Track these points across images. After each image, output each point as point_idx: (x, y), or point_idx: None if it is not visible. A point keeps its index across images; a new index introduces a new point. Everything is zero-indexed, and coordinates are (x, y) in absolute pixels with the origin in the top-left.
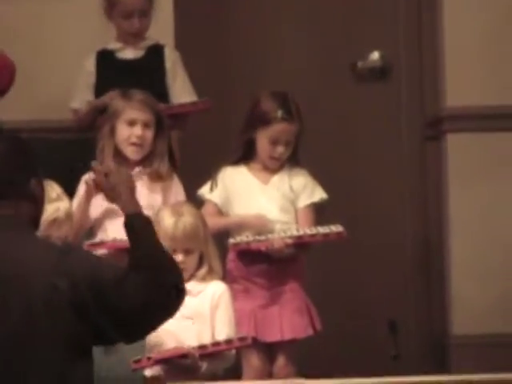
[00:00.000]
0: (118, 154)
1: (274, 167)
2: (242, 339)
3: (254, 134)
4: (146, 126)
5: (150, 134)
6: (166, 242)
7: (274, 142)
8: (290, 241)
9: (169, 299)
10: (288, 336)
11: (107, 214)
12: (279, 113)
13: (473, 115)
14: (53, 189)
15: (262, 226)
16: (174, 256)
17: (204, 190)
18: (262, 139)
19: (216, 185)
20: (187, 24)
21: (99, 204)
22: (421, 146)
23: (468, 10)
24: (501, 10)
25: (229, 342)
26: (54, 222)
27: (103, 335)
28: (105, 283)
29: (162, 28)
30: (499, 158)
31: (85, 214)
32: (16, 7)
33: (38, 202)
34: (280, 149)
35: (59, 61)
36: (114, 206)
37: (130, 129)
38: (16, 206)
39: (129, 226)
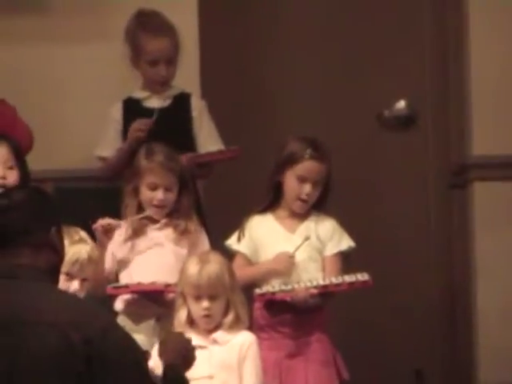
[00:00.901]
0: (142, 211)
1: (300, 211)
2: None
3: (282, 176)
4: (167, 189)
5: (172, 196)
6: (190, 290)
7: (302, 181)
8: (314, 291)
9: None
10: None
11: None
12: (308, 151)
13: (499, 164)
14: (76, 232)
15: (288, 267)
16: (198, 303)
17: (231, 241)
18: (290, 179)
19: (243, 234)
20: (213, 72)
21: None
22: (447, 194)
23: (495, 60)
24: None
25: None
26: (76, 262)
27: None
28: (115, 344)
29: (188, 76)
30: None
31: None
32: (43, 54)
33: (57, 251)
34: (307, 188)
35: (85, 109)
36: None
37: (152, 192)
38: (35, 254)
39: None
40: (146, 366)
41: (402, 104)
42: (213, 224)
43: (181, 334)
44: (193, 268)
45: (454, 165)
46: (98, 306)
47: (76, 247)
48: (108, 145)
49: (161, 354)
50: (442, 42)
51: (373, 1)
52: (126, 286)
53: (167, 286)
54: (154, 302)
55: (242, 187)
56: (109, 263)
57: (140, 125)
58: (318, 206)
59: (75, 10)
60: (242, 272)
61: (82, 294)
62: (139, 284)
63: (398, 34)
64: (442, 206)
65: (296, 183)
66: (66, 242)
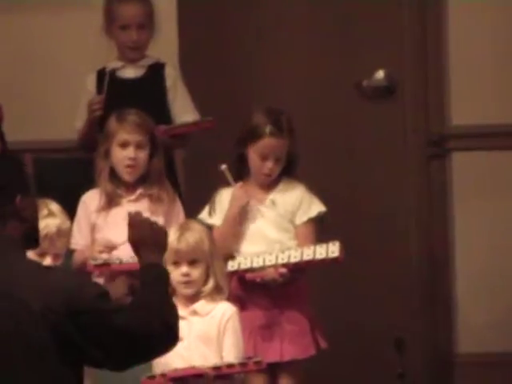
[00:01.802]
0: (115, 176)
1: (265, 183)
2: (257, 363)
3: (245, 149)
4: (138, 147)
5: (143, 155)
6: (169, 256)
7: (264, 157)
8: (283, 270)
9: (161, 339)
10: (287, 357)
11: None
12: (268, 128)
13: (477, 134)
14: (45, 206)
15: (243, 200)
16: (177, 268)
17: (203, 215)
18: (252, 155)
19: (214, 209)
20: (191, 43)
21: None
22: (425, 164)
23: (474, 29)
24: (507, 29)
25: (243, 364)
26: (45, 238)
27: (86, 356)
28: (83, 305)
29: (165, 46)
30: (504, 176)
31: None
32: (21, 23)
33: (25, 220)
34: (269, 164)
35: (62, 80)
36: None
37: (123, 151)
38: (0, 224)
39: (144, 273)
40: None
41: (380, 74)
42: (191, 196)
43: (146, 219)
44: (172, 234)
45: (432, 135)
46: (67, 273)
47: (44, 221)
48: (81, 116)
49: (130, 239)
50: (420, 13)
51: None
52: (108, 264)
53: None
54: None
55: (219, 158)
56: (87, 237)
57: (93, 104)
58: (288, 172)
59: None
60: (219, 237)
61: None
62: (121, 263)
63: (377, 4)
64: (420, 175)
65: (258, 159)
66: None
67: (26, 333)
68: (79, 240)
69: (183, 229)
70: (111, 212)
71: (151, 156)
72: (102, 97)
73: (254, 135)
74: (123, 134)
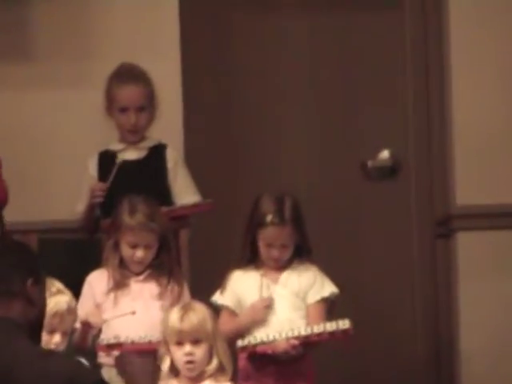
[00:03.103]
0: (123, 264)
1: (276, 267)
2: None
3: (255, 235)
4: (147, 247)
5: (151, 253)
6: (173, 336)
7: (269, 245)
8: (295, 341)
9: None
10: None
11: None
12: (269, 217)
13: (482, 214)
14: (53, 284)
15: (264, 313)
16: (181, 349)
17: (216, 297)
18: (260, 241)
19: (225, 289)
20: (196, 125)
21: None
22: (431, 244)
23: (477, 110)
24: (510, 109)
25: None
26: (56, 315)
27: None
28: None
29: (170, 127)
30: (509, 256)
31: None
32: (27, 101)
33: (34, 304)
34: (275, 252)
35: (68, 161)
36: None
37: (132, 250)
38: (7, 305)
39: None
40: None
41: (385, 154)
42: (197, 277)
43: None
44: (175, 315)
45: (437, 215)
46: (66, 359)
47: (55, 299)
48: (82, 200)
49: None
50: (425, 93)
51: (357, 51)
52: (120, 344)
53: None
54: (147, 359)
55: (227, 241)
56: (90, 312)
57: (96, 190)
58: (299, 254)
59: (60, 58)
60: (226, 328)
61: (62, 347)
62: (133, 343)
63: (382, 85)
64: (426, 255)
65: (264, 246)
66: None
67: None
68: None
69: (186, 309)
70: (119, 293)
71: (161, 248)
72: (105, 185)
73: (258, 223)
74: (133, 236)
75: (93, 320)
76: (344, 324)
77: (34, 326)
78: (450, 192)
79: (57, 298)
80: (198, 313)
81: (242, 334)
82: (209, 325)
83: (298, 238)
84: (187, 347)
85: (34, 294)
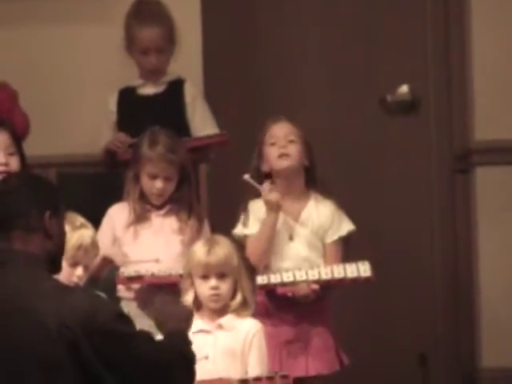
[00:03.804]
0: (144, 196)
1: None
2: (283, 377)
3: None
4: (166, 179)
5: (171, 185)
6: (198, 270)
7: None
8: (316, 286)
9: (180, 372)
10: (313, 372)
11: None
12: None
13: (502, 148)
14: (76, 218)
15: (276, 196)
16: (206, 282)
17: (238, 229)
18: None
19: (247, 219)
20: (216, 60)
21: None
22: (450, 178)
23: (497, 45)
24: None
25: (270, 378)
26: (80, 248)
27: (100, 379)
28: (99, 325)
29: (189, 64)
30: None
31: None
32: (46, 37)
33: (52, 237)
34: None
35: (88, 94)
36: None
37: (152, 181)
38: (26, 239)
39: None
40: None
41: (404, 89)
42: (216, 211)
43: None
44: (201, 248)
45: (456, 150)
46: (85, 293)
47: (79, 232)
48: (103, 136)
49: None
50: (444, 28)
51: None
52: (140, 277)
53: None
54: (168, 292)
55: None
56: (108, 245)
57: (119, 142)
58: (313, 183)
59: None
60: (256, 248)
61: (84, 280)
62: (153, 275)
63: (401, 20)
64: (445, 190)
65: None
66: (68, 228)
67: (42, 349)
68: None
69: (212, 242)
70: (139, 227)
71: (181, 182)
72: (128, 140)
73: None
74: (152, 167)
75: (114, 257)
76: (365, 271)
77: (54, 258)
78: (469, 127)
79: (81, 232)
80: (224, 247)
81: (271, 241)
82: (235, 259)
83: (309, 162)
84: (213, 281)
85: (52, 227)
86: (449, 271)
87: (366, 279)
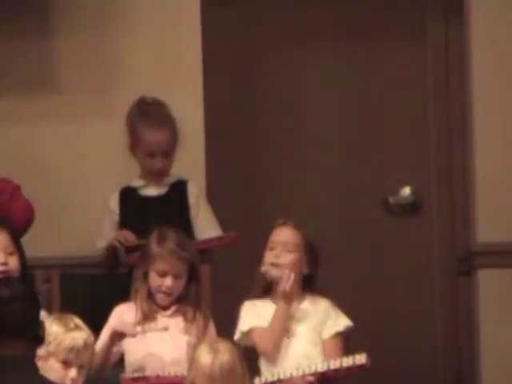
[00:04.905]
0: (152, 296)
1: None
2: None
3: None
4: (176, 277)
5: (180, 284)
6: (203, 381)
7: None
8: (311, 378)
9: None
10: None
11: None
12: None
13: (504, 251)
14: (71, 319)
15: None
16: None
17: (240, 328)
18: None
19: (248, 315)
20: (218, 159)
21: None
22: (453, 280)
23: (499, 145)
24: None
25: None
26: (72, 350)
27: None
28: None
29: (191, 162)
30: None
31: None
32: (47, 139)
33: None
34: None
35: (90, 197)
36: None
37: (161, 279)
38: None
39: None
40: None
41: (406, 191)
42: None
43: None
44: (205, 358)
45: (459, 252)
46: None
47: (72, 334)
48: (104, 236)
49: None
50: (446, 130)
51: (379, 87)
52: (145, 378)
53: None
54: None
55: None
56: (128, 326)
57: (122, 238)
58: (310, 286)
59: (82, 91)
60: (266, 335)
61: (80, 381)
62: (158, 377)
63: (404, 122)
64: (448, 292)
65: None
66: (61, 330)
67: None
68: None
69: (215, 351)
70: (146, 326)
71: (189, 281)
72: (135, 241)
73: None
74: (162, 264)
75: (125, 329)
76: (360, 359)
77: None
78: (471, 229)
79: (73, 334)
80: (228, 356)
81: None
82: (238, 368)
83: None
84: None
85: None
86: (451, 375)
87: (361, 366)
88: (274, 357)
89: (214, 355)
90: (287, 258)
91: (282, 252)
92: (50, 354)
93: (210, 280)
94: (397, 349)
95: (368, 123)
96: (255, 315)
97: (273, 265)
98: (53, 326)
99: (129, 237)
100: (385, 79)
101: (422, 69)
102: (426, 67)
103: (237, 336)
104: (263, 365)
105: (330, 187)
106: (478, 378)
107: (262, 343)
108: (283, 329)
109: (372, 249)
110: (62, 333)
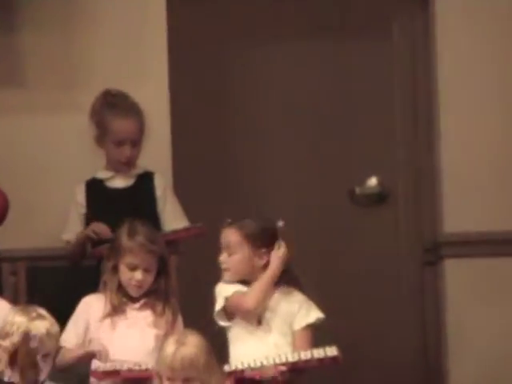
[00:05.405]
0: (121, 288)
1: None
2: None
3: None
4: (146, 270)
5: (150, 277)
6: (165, 371)
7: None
8: (283, 368)
9: None
10: None
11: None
12: None
13: (470, 241)
14: (34, 310)
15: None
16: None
17: (217, 308)
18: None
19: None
20: (184, 151)
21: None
22: (420, 271)
23: (465, 135)
24: (501, 133)
25: None
26: (34, 338)
27: None
28: None
29: (158, 155)
30: (496, 283)
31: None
32: (11, 133)
33: None
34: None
35: (55, 190)
36: None
37: (131, 272)
38: None
39: None
40: None
41: (373, 181)
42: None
43: None
44: (168, 349)
45: (425, 242)
46: None
47: (34, 323)
48: (70, 228)
49: None
50: (412, 121)
51: (346, 80)
52: (116, 372)
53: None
54: None
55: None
56: (80, 333)
57: (98, 229)
58: (285, 278)
59: (47, 86)
60: (249, 293)
61: (45, 370)
62: (130, 370)
63: (370, 113)
64: (414, 282)
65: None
66: (23, 319)
67: None
68: (72, 338)
69: (179, 343)
70: (115, 319)
71: (158, 275)
72: (107, 233)
73: None
74: (132, 258)
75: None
76: (332, 351)
77: None
78: (438, 219)
79: (35, 323)
80: (192, 349)
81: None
82: (201, 362)
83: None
84: None
85: None
86: (417, 363)
87: (333, 359)
88: (253, 314)
89: (177, 347)
90: (232, 260)
91: (228, 255)
92: (14, 345)
93: (176, 271)
94: (364, 339)
95: (334, 114)
96: (235, 286)
97: (224, 270)
98: (16, 317)
99: (104, 230)
100: (351, 70)
101: (387, 60)
102: (392, 59)
103: (218, 306)
104: (232, 351)
105: (296, 178)
106: (446, 366)
107: (243, 301)
108: (267, 292)
109: (339, 239)
110: (24, 321)
